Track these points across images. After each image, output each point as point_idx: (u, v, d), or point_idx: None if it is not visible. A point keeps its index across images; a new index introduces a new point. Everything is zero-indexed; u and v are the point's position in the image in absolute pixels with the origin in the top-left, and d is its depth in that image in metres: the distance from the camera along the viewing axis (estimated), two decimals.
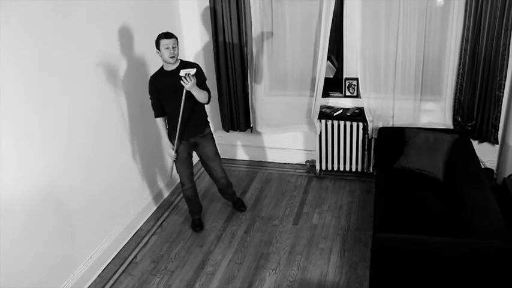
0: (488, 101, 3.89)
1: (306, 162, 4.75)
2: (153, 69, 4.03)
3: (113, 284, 3.37)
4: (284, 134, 4.70)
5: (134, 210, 3.92)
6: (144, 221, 4.05)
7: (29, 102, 2.77)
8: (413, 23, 3.85)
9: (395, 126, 4.18)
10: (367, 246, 3.49)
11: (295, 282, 3.27)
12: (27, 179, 2.80)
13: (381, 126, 4.17)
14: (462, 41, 3.78)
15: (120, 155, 3.69)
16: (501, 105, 3.88)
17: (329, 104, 4.45)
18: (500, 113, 3.92)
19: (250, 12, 4.17)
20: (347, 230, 3.75)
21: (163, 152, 4.36)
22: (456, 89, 3.97)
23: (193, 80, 3.18)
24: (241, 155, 5.00)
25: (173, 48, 3.25)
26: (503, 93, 3.83)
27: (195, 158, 3.85)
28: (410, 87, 4.06)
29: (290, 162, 4.86)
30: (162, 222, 4.05)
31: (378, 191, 3.45)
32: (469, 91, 3.93)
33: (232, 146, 4.96)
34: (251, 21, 4.20)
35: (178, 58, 3.36)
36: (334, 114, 4.29)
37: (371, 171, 4.38)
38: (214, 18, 4.25)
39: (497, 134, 4.01)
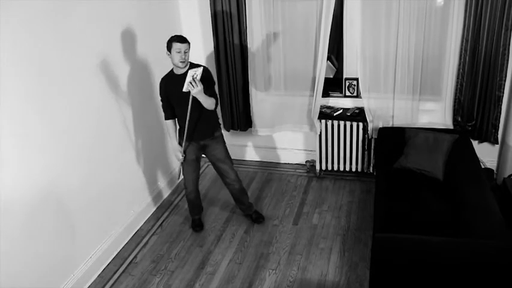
0: (488, 101, 3.89)
1: (306, 162, 4.75)
2: (153, 70, 4.05)
3: (113, 284, 3.37)
4: (284, 134, 4.70)
5: (134, 210, 3.92)
6: (144, 221, 4.05)
7: (29, 102, 2.77)
8: (413, 23, 3.85)
9: (395, 126, 4.18)
10: (367, 246, 3.49)
11: (295, 282, 3.27)
12: (27, 179, 2.80)
13: (380, 126, 4.17)
14: (462, 41, 3.78)
15: (120, 155, 3.69)
16: (501, 105, 3.88)
17: (329, 104, 4.45)
18: (500, 113, 3.92)
19: (250, 13, 4.16)
20: (347, 230, 3.75)
21: (164, 152, 4.37)
22: (456, 89, 3.97)
23: (200, 86, 3.12)
24: (242, 154, 5.00)
25: (185, 53, 3.23)
26: (503, 93, 3.83)
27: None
28: (410, 87, 4.06)
29: (290, 162, 4.86)
30: (162, 222, 4.05)
31: (377, 191, 3.45)
32: (469, 91, 3.93)
33: (233, 146, 4.93)
34: (251, 22, 4.20)
35: (188, 61, 3.34)
36: (334, 114, 4.29)
37: (371, 171, 4.38)
38: (215, 18, 4.25)
39: (497, 134, 4.01)
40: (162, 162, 4.34)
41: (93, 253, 3.42)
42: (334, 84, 4.43)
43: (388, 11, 3.89)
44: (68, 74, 3.06)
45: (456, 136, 3.67)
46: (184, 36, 3.29)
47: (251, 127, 4.68)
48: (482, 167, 4.02)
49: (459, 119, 4.05)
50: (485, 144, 4.13)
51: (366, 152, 4.33)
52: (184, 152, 3.52)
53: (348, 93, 4.36)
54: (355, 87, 4.30)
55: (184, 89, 3.17)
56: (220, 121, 4.71)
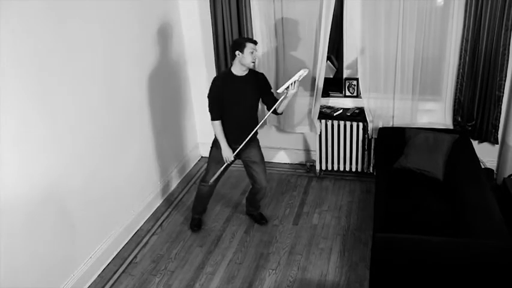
0: (488, 101, 3.89)
1: (306, 162, 4.75)
2: (153, 70, 4.05)
3: (113, 284, 3.37)
4: (284, 134, 4.70)
5: (134, 210, 3.92)
6: (144, 221, 4.05)
7: (30, 102, 2.76)
8: (413, 23, 3.85)
9: (395, 126, 4.18)
10: (367, 246, 3.49)
11: (295, 282, 3.27)
12: (28, 179, 2.80)
13: (380, 126, 4.18)
14: (462, 41, 3.78)
15: (120, 155, 3.69)
16: (501, 105, 3.89)
17: (329, 104, 4.45)
18: (500, 113, 3.92)
19: (250, 12, 4.16)
20: (347, 230, 3.75)
21: (164, 153, 4.36)
22: (456, 89, 3.97)
23: (297, 89, 3.26)
24: None
25: (256, 52, 3.28)
26: (503, 93, 3.84)
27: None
28: (410, 87, 4.06)
29: (290, 162, 4.86)
30: (162, 222, 4.05)
31: (378, 191, 3.45)
32: (469, 91, 3.93)
33: None
34: (251, 21, 4.20)
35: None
36: (334, 114, 4.29)
37: (371, 171, 4.38)
38: (215, 19, 4.25)
39: (497, 134, 4.01)
40: (162, 163, 4.34)
41: (93, 253, 3.42)
42: (334, 84, 4.44)
43: (388, 11, 3.89)
44: (69, 74, 3.06)
45: (456, 136, 3.67)
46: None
47: None
48: (482, 167, 4.02)
49: (459, 119, 4.05)
50: (485, 144, 4.13)
51: (366, 152, 4.33)
52: (219, 153, 3.48)
53: (348, 93, 4.36)
54: (355, 87, 4.30)
55: (280, 90, 3.28)
56: None
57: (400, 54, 3.96)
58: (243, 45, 3.25)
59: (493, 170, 4.22)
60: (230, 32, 4.23)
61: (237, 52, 3.27)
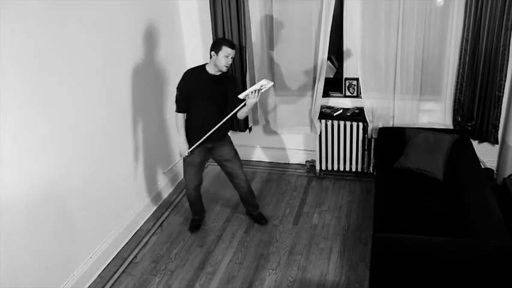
0: (488, 101, 3.89)
1: (306, 162, 4.75)
2: (153, 71, 4.06)
3: (113, 284, 3.37)
4: (284, 134, 4.70)
5: (134, 210, 3.92)
6: (144, 221, 4.05)
7: (30, 103, 2.77)
8: (413, 23, 3.85)
9: (395, 126, 4.18)
10: (367, 246, 3.49)
11: (295, 282, 3.27)
12: (28, 179, 2.80)
13: (380, 126, 4.17)
14: (462, 41, 3.78)
15: (120, 155, 3.69)
16: (501, 105, 3.89)
17: (329, 104, 4.45)
18: (500, 113, 3.92)
19: (249, 13, 4.16)
20: (347, 230, 3.75)
21: (164, 153, 4.36)
22: (456, 89, 3.97)
23: (257, 99, 3.20)
24: (242, 155, 4.98)
25: (231, 58, 3.23)
26: (503, 93, 3.83)
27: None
28: (410, 87, 4.06)
29: (290, 162, 4.86)
30: (162, 222, 4.05)
31: (377, 191, 3.45)
32: (469, 91, 3.93)
33: None
34: (251, 22, 4.20)
35: None
36: (334, 114, 4.29)
37: (371, 171, 4.38)
38: (214, 19, 4.25)
39: (497, 134, 4.01)
40: (162, 163, 4.34)
41: (93, 253, 3.42)
42: (334, 84, 4.44)
43: (388, 11, 3.89)
44: (69, 74, 3.06)
45: (456, 136, 3.67)
46: (233, 42, 3.27)
47: (249, 127, 4.68)
48: (482, 167, 4.02)
49: (459, 119, 4.05)
50: (485, 144, 4.13)
51: (366, 152, 4.33)
52: (192, 152, 3.47)
53: (348, 93, 4.36)
54: (355, 87, 4.30)
55: (241, 96, 3.21)
56: None
57: (400, 54, 3.96)
58: (219, 47, 3.21)
59: (493, 170, 4.22)
60: (230, 32, 4.23)
61: (212, 52, 3.26)
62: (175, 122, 3.50)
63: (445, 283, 2.71)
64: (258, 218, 3.91)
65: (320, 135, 4.37)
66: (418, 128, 3.94)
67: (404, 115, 4.18)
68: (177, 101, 3.42)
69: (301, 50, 4.29)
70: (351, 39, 4.16)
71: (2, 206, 2.62)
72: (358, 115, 4.24)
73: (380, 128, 4.13)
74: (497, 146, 4.13)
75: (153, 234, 3.89)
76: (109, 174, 3.55)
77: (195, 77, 3.35)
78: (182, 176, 4.70)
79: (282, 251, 3.58)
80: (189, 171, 3.60)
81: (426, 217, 3.10)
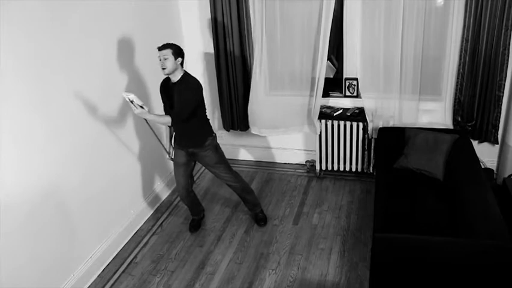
0: (488, 101, 3.89)
1: (306, 162, 4.75)
2: (153, 74, 4.05)
3: (113, 284, 3.37)
4: (284, 134, 4.70)
5: (134, 210, 3.92)
6: (144, 221, 4.05)
7: (29, 102, 2.77)
8: (413, 23, 3.85)
9: (395, 126, 4.17)
10: (367, 246, 3.49)
11: (295, 282, 3.27)
12: (28, 178, 2.80)
13: (381, 126, 4.17)
14: (462, 41, 3.78)
15: (120, 155, 3.69)
16: (501, 105, 3.88)
17: (329, 104, 4.45)
18: (500, 113, 3.92)
19: (250, 13, 4.16)
20: (347, 230, 3.75)
21: (163, 152, 4.36)
22: (456, 89, 3.97)
23: (139, 110, 3.05)
24: (242, 154, 5.01)
25: (165, 59, 3.14)
26: (503, 93, 3.83)
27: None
28: (410, 87, 4.06)
29: (290, 162, 4.86)
30: (162, 222, 4.05)
31: (377, 191, 3.44)
32: (469, 91, 3.93)
33: (233, 146, 4.96)
34: (251, 22, 4.20)
35: (182, 70, 3.26)
36: (334, 114, 4.29)
37: (371, 171, 4.38)
38: (215, 20, 4.24)
39: (497, 134, 4.01)
40: (162, 162, 4.34)
41: (93, 253, 3.42)
42: (334, 84, 4.43)
43: (388, 11, 3.89)
44: (69, 74, 3.06)
45: (456, 136, 3.66)
46: (166, 43, 3.18)
47: (251, 127, 4.68)
48: (482, 167, 4.02)
49: (459, 119, 4.04)
50: (485, 144, 4.13)
51: (366, 152, 4.33)
52: (174, 153, 3.58)
53: (348, 93, 4.36)
54: (355, 87, 4.30)
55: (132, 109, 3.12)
56: (220, 120, 4.73)
57: (400, 54, 3.96)
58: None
59: (493, 170, 4.21)
60: (230, 32, 4.23)
61: None
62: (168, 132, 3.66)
63: (445, 283, 2.71)
64: (258, 218, 3.91)
65: (320, 135, 4.37)
66: (418, 128, 3.94)
67: (404, 115, 4.18)
68: (188, 111, 3.28)
69: (302, 50, 4.29)
70: (351, 39, 4.16)
71: (2, 205, 2.62)
72: (358, 115, 4.24)
73: (380, 128, 4.12)
74: (497, 146, 4.13)
75: (153, 234, 3.89)
76: (109, 174, 3.55)
77: (163, 85, 3.43)
78: None
79: (282, 251, 3.58)
80: (176, 172, 3.63)
81: (426, 217, 3.10)
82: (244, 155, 5.00)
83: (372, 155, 4.33)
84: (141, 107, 3.08)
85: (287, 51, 4.35)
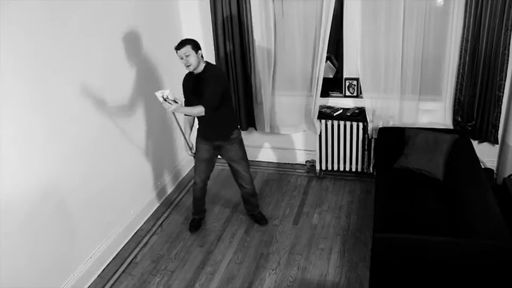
0: (488, 101, 3.89)
1: (306, 162, 4.75)
2: (154, 72, 4.07)
3: (113, 284, 3.37)
4: (284, 134, 4.70)
5: (134, 210, 3.92)
6: (144, 221, 4.05)
7: (29, 102, 2.77)
8: (413, 23, 3.85)
9: (395, 126, 4.18)
10: (367, 246, 3.49)
11: (295, 282, 3.27)
12: (28, 178, 2.80)
13: (380, 126, 4.17)
14: (462, 41, 3.78)
15: (120, 154, 3.69)
16: (501, 105, 3.88)
17: (329, 104, 4.45)
18: (500, 113, 3.92)
19: (250, 13, 4.16)
20: (347, 230, 3.75)
21: (164, 152, 4.37)
22: (456, 89, 3.97)
23: (174, 105, 2.99)
24: None
25: (187, 57, 3.20)
26: (503, 93, 3.83)
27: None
28: (410, 87, 4.06)
29: (290, 162, 4.86)
30: (162, 222, 4.05)
31: (377, 191, 3.44)
32: (469, 91, 3.93)
33: None
34: (251, 22, 4.20)
35: (204, 61, 3.32)
36: (334, 114, 4.29)
37: (371, 171, 4.38)
38: (215, 19, 4.25)
39: (497, 134, 4.01)
40: (163, 162, 4.34)
41: (93, 253, 3.42)
42: (334, 84, 4.43)
43: (388, 11, 3.89)
44: (69, 72, 3.06)
45: (456, 136, 3.67)
46: (183, 40, 3.25)
47: (252, 127, 4.68)
48: (482, 167, 4.02)
49: (459, 119, 4.05)
50: (485, 144, 4.13)
51: (366, 152, 4.33)
52: (197, 149, 3.59)
53: (348, 93, 4.36)
54: (355, 87, 4.30)
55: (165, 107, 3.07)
56: None
57: (400, 54, 3.96)
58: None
59: (493, 170, 4.21)
60: (230, 32, 4.23)
61: None
62: (184, 124, 3.61)
63: (445, 283, 2.71)
64: (258, 218, 3.91)
65: (320, 135, 4.37)
66: (418, 128, 3.94)
67: (404, 115, 4.18)
68: (217, 97, 3.28)
69: (301, 50, 4.29)
70: (351, 39, 4.16)
71: (2, 205, 2.62)
72: (358, 115, 4.24)
73: (380, 128, 4.12)
74: (497, 146, 4.13)
75: (153, 234, 3.89)
76: (109, 174, 3.55)
77: (186, 80, 3.45)
78: (183, 175, 4.72)
79: (282, 251, 3.58)
80: (197, 166, 3.66)
81: (426, 217, 3.10)
82: None
83: (372, 155, 4.33)
84: (175, 101, 3.03)
85: (287, 51, 4.35)
